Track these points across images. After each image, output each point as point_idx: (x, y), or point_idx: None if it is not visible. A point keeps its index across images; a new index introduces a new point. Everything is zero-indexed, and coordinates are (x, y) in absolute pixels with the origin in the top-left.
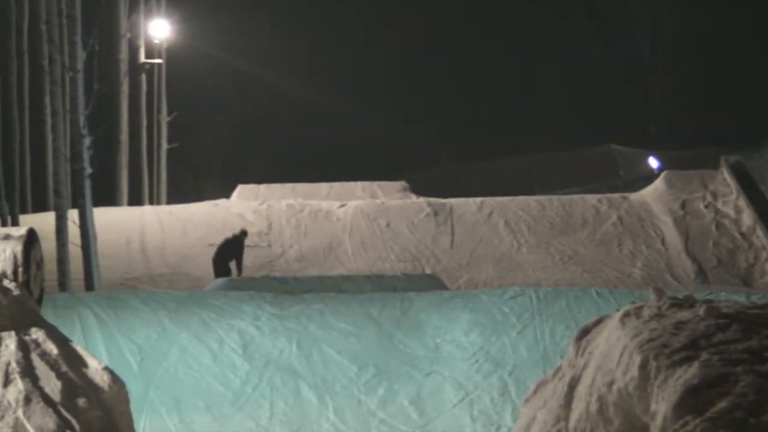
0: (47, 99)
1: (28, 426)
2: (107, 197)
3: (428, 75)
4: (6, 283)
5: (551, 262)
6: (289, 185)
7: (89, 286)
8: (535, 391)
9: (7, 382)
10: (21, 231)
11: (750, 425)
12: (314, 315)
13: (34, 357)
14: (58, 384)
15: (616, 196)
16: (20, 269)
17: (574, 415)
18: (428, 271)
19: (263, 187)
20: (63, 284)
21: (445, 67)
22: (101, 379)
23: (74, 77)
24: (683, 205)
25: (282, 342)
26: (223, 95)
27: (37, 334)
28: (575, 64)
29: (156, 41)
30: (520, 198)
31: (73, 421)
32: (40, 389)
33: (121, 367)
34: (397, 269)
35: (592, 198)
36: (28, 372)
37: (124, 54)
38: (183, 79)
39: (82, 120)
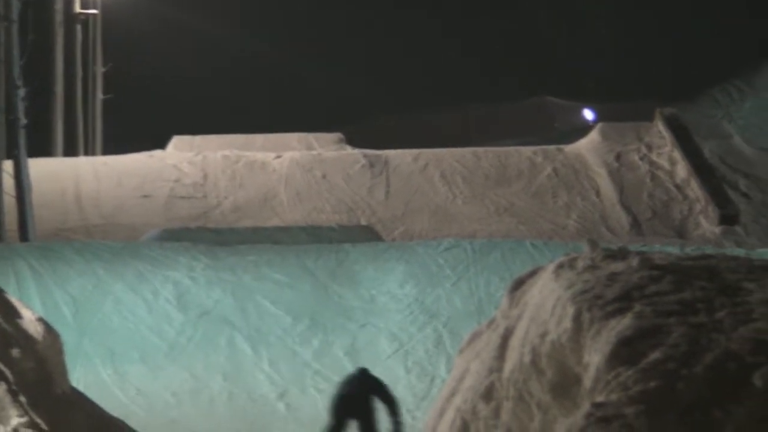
0: None
1: None
2: (42, 148)
3: (366, 28)
4: None
5: (486, 213)
6: (224, 136)
7: (24, 237)
8: (469, 342)
9: None
10: None
11: (682, 376)
12: (249, 266)
13: None
14: None
15: (551, 147)
16: None
17: (508, 366)
18: (363, 222)
19: (198, 138)
20: None
21: (383, 20)
22: (35, 329)
23: (9, 27)
24: (618, 157)
25: (217, 293)
26: (160, 46)
27: None
28: (511, 16)
29: None
30: (456, 150)
31: (7, 372)
32: None
33: (55, 318)
34: (332, 221)
35: (527, 150)
36: None
37: (59, 4)
38: (119, 29)
39: (17, 71)
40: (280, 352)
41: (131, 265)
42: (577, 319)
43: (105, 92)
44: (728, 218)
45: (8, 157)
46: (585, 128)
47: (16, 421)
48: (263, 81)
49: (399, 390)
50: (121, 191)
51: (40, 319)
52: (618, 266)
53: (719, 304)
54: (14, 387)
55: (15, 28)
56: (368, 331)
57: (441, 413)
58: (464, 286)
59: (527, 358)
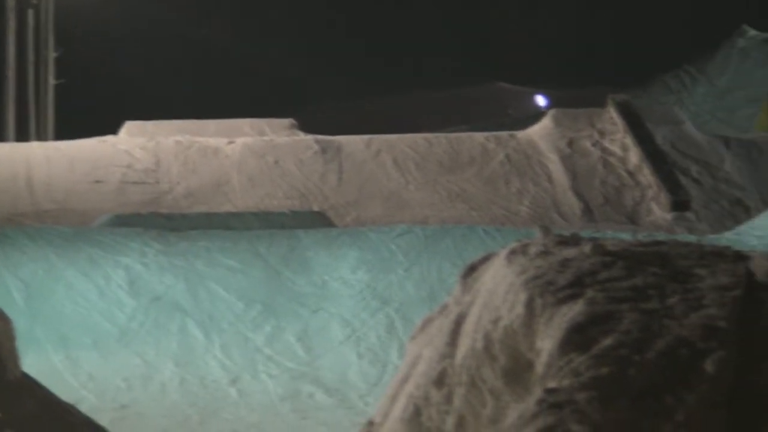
0: None
1: None
2: None
3: (317, 13)
4: None
5: (438, 199)
6: (177, 122)
7: None
8: (421, 329)
9: None
10: None
11: (634, 362)
12: (201, 252)
13: None
14: None
15: (503, 134)
16: None
17: (460, 352)
18: (316, 208)
19: (151, 123)
20: None
21: (335, 5)
22: None
23: None
24: (570, 144)
25: (169, 278)
26: (113, 31)
27: None
28: (465, 2)
29: None
30: (408, 136)
31: None
32: None
33: (6, 303)
34: (284, 206)
35: (479, 136)
36: None
37: None
38: (72, 14)
39: None
40: (232, 337)
41: (83, 251)
42: (529, 305)
43: (57, 77)
44: (680, 204)
45: None
46: (538, 114)
47: None
48: (216, 67)
49: (351, 376)
50: (73, 176)
51: None
52: (570, 252)
53: (671, 290)
54: None
55: None
56: (320, 317)
57: (393, 399)
58: (416, 272)
59: (480, 344)
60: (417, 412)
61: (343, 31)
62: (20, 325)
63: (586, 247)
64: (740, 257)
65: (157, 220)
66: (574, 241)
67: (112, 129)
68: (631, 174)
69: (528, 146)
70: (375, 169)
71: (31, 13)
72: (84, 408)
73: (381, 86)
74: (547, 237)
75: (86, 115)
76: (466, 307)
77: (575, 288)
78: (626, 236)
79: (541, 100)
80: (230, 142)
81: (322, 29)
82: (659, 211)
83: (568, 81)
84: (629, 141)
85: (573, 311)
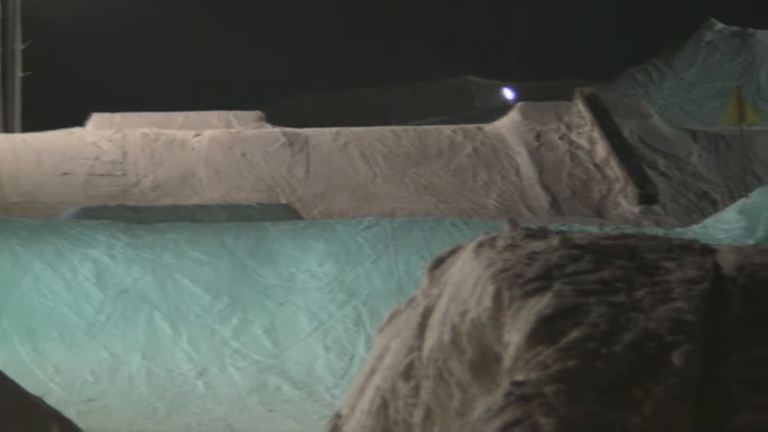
0: None
1: None
2: None
3: (287, 7)
4: None
5: (406, 192)
6: (144, 114)
7: None
8: (388, 321)
9: None
10: None
11: (601, 355)
12: (169, 244)
13: None
14: None
15: (471, 127)
16: None
17: (428, 345)
18: (283, 201)
19: (118, 115)
20: None
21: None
22: None
23: None
24: (538, 137)
25: (136, 271)
26: (81, 23)
27: None
28: None
29: None
30: (376, 128)
31: None
32: None
33: None
34: (252, 199)
35: (447, 129)
36: None
37: None
38: (40, 6)
39: None
40: (199, 330)
41: (50, 243)
42: (497, 297)
43: (24, 69)
44: (647, 198)
45: None
46: (505, 107)
47: None
48: (184, 59)
49: (318, 369)
50: (40, 169)
51: None
52: (538, 245)
53: (638, 283)
54: None
55: None
56: (287, 310)
57: (360, 392)
58: (384, 264)
59: (447, 337)
60: (384, 405)
61: (313, 26)
62: None
63: (554, 240)
64: (707, 250)
65: (125, 213)
66: (541, 234)
67: (80, 121)
68: (598, 167)
69: (496, 139)
70: (343, 161)
71: None
72: (51, 401)
73: (352, 80)
74: (515, 230)
75: (54, 107)
76: (433, 299)
77: (543, 281)
78: (594, 229)
79: (508, 93)
80: (197, 134)
81: (292, 23)
82: (627, 204)
83: (536, 74)
84: (597, 134)
85: (541, 304)
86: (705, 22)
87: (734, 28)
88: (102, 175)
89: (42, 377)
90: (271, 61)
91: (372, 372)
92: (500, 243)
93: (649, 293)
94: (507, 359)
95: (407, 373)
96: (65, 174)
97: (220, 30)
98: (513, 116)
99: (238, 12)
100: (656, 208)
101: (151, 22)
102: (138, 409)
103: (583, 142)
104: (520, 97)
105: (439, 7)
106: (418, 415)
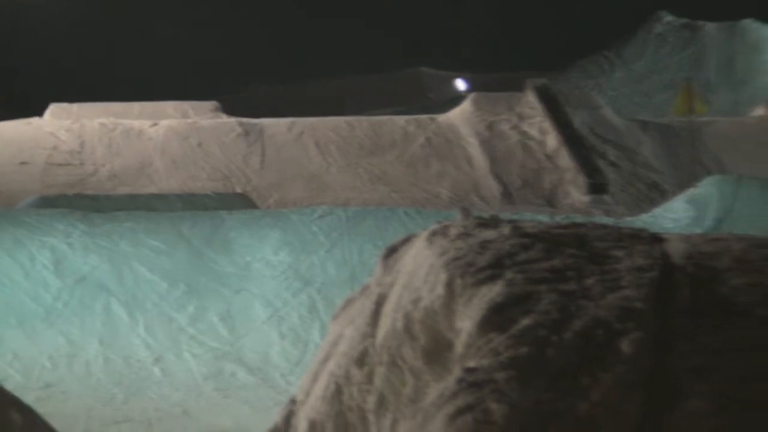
0: None
1: None
2: None
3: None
4: None
5: (360, 182)
6: (101, 104)
7: None
8: (342, 309)
9: None
10: None
11: (552, 342)
12: (126, 233)
13: None
14: None
15: (423, 117)
16: None
17: (381, 332)
18: (239, 190)
19: (76, 106)
20: None
21: None
22: None
23: None
24: (490, 127)
25: (93, 259)
26: (42, 16)
27: None
28: None
29: None
30: (330, 119)
31: None
32: None
33: None
34: (208, 188)
35: (400, 119)
36: None
37: None
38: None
39: None
40: (156, 317)
41: (8, 232)
42: (449, 285)
43: None
44: (597, 187)
45: None
46: (458, 98)
47: None
48: (142, 49)
49: (273, 355)
50: None
51: None
52: (490, 234)
53: (588, 271)
54: None
55: None
56: (243, 297)
57: (315, 378)
58: (338, 253)
59: (400, 325)
60: (338, 391)
61: (272, 16)
62: None
63: (506, 229)
64: (656, 239)
65: (83, 202)
66: (493, 223)
67: (39, 111)
68: (549, 157)
69: (448, 130)
70: (297, 151)
71: None
72: (10, 386)
73: (308, 71)
74: (467, 219)
75: (12, 97)
76: (387, 287)
77: (495, 269)
78: (544, 218)
79: (461, 84)
80: (154, 125)
81: (251, 15)
82: (577, 193)
83: (488, 65)
84: (548, 125)
85: (492, 292)
86: (654, 14)
87: (684, 20)
88: (60, 164)
89: (0, 364)
90: (226, 52)
91: (326, 359)
92: (453, 232)
93: (599, 281)
94: (459, 346)
95: (361, 359)
96: (23, 163)
97: (177, 19)
98: (465, 107)
99: (196, 2)
100: (606, 197)
101: (109, 13)
102: (96, 395)
103: (534, 132)
104: (473, 88)
105: (397, 2)
106: (371, 401)
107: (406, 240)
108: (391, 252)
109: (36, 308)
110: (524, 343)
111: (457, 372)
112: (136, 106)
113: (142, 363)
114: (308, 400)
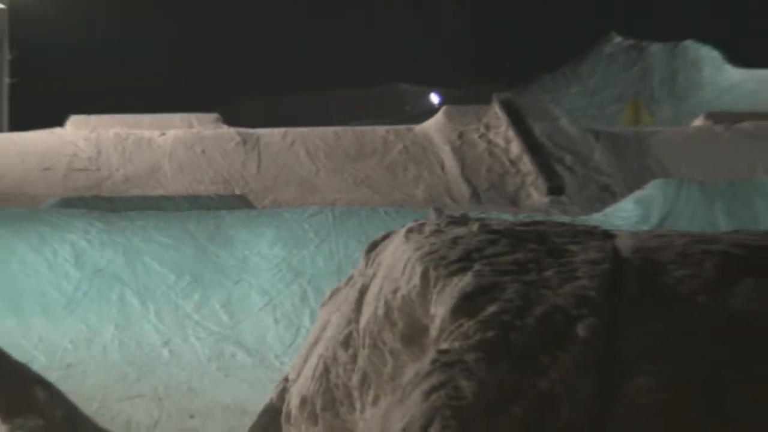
0: None
1: None
2: None
3: (238, 12)
4: None
5: (345, 185)
6: (116, 116)
7: None
8: (330, 297)
9: None
10: None
11: (516, 327)
12: (138, 230)
13: None
14: None
15: (402, 127)
16: None
17: (364, 318)
18: (238, 192)
19: (93, 117)
20: None
21: (254, 6)
22: None
23: None
24: (460, 136)
25: (109, 253)
26: (61, 36)
27: None
28: (371, 11)
29: None
30: (319, 129)
31: None
32: None
33: None
34: (210, 191)
35: (381, 129)
36: None
37: None
38: (25, 20)
39: None
40: (165, 305)
41: (33, 230)
42: (424, 276)
43: (11, 77)
44: (555, 189)
45: None
46: (432, 111)
47: None
48: (154, 68)
49: (269, 339)
50: (25, 165)
51: None
52: (460, 231)
53: (548, 264)
54: None
55: None
56: (242, 287)
57: (305, 359)
58: (326, 248)
59: (381, 311)
60: (326, 370)
61: (265, 35)
62: None
63: (474, 227)
64: (608, 235)
65: (99, 203)
66: (463, 221)
67: (60, 122)
68: (513, 163)
69: (423, 138)
70: (290, 158)
71: None
72: (35, 367)
73: (298, 85)
74: (440, 217)
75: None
76: (369, 278)
77: (464, 262)
78: (509, 217)
79: (434, 98)
80: (162, 134)
81: (247, 34)
82: (537, 195)
83: (459, 81)
84: (511, 134)
85: (463, 282)
86: (606, 36)
87: (631, 41)
88: (79, 169)
89: (27, 347)
90: (227, 68)
91: (315, 342)
92: (427, 229)
93: (557, 273)
94: (433, 330)
95: (346, 342)
96: (47, 169)
97: (184, 42)
98: (438, 118)
99: (199, 28)
100: (563, 198)
101: (127, 34)
102: (111, 374)
103: (499, 140)
104: (446, 101)
105: (377, 23)
106: (356, 379)
107: (386, 236)
108: (373, 247)
109: (58, 297)
110: (491, 327)
111: (431, 353)
112: (146, 118)
113: (153, 346)
114: (300, 378)
